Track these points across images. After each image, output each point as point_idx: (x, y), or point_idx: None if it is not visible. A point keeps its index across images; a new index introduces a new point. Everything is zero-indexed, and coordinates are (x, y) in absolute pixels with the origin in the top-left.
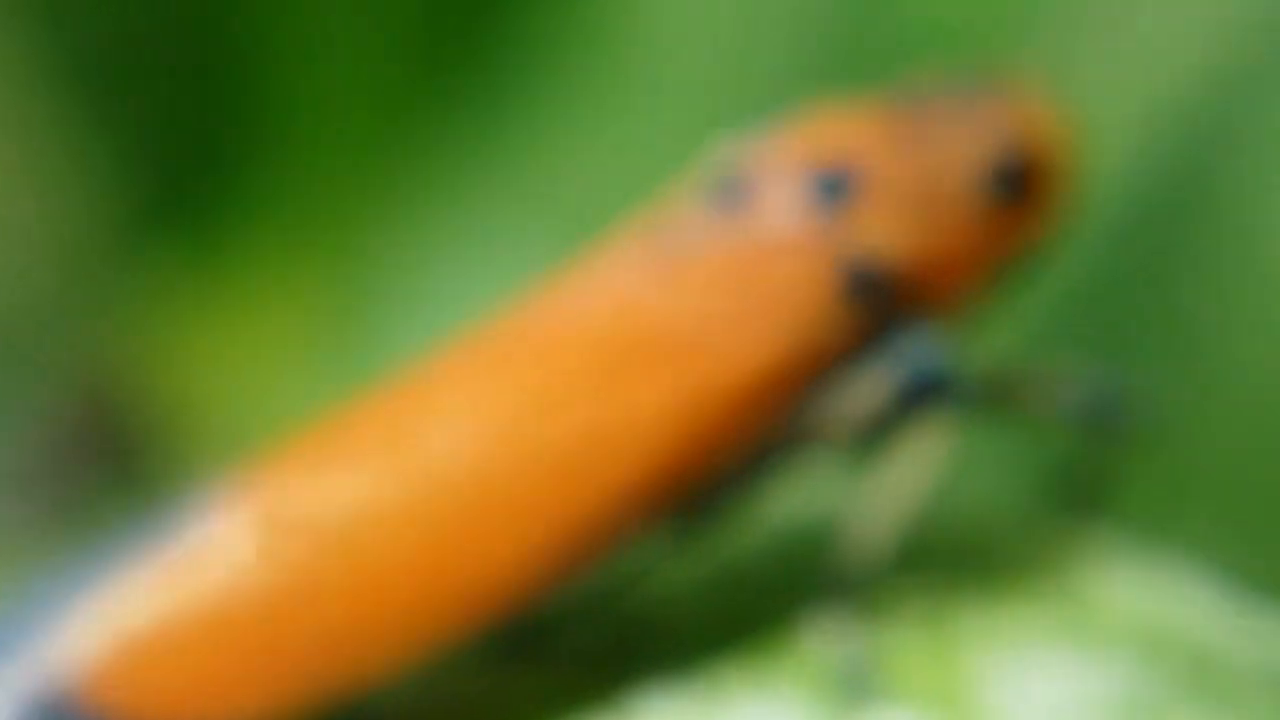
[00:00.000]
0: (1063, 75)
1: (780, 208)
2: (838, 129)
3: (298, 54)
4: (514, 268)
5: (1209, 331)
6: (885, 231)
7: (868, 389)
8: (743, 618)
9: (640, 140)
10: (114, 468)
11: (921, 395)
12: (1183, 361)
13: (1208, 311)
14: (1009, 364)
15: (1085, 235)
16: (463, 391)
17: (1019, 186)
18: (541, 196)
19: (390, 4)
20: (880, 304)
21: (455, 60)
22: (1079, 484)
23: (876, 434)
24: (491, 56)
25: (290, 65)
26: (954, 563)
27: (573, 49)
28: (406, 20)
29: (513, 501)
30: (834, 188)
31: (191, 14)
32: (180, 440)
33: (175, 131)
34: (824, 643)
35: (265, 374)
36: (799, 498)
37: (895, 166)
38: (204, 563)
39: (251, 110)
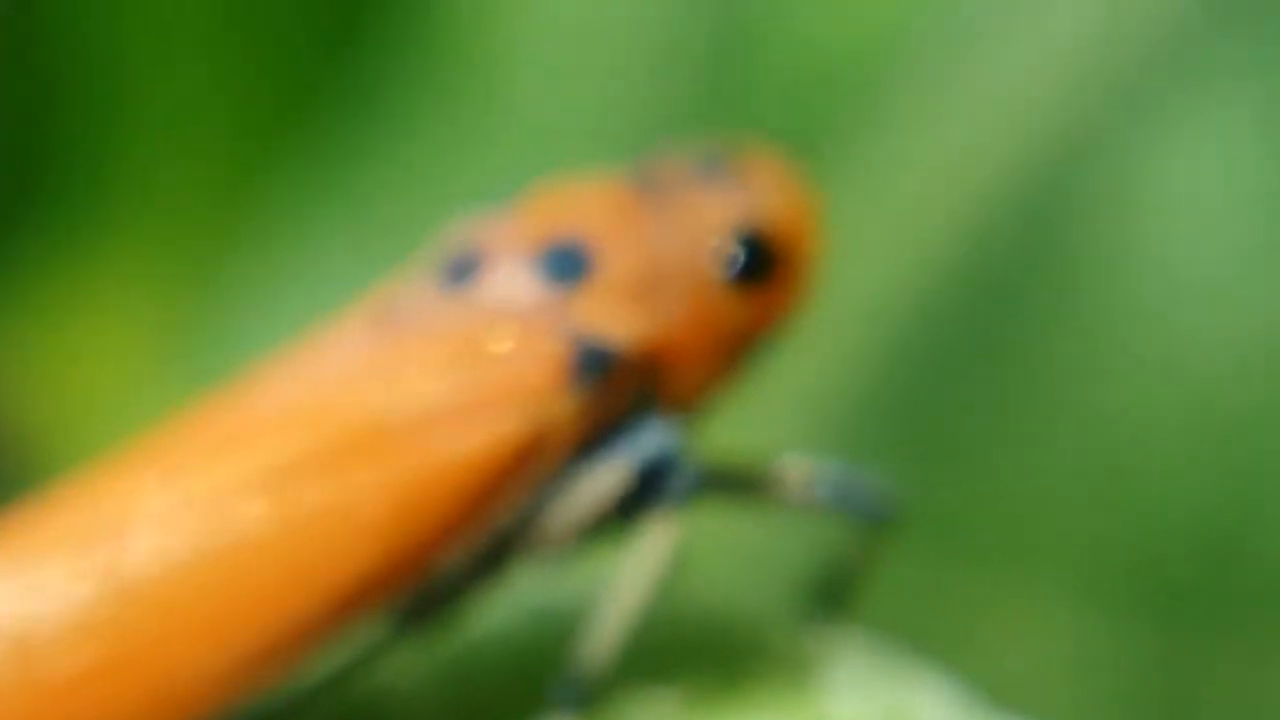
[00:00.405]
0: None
1: (509, 286)
2: (573, 206)
3: (155, 68)
4: (362, 280)
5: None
6: (618, 313)
7: (599, 480)
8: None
9: (493, 174)
10: None
11: (654, 486)
12: (985, 456)
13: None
14: (770, 456)
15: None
16: (171, 477)
17: (759, 269)
18: (391, 217)
19: (251, 22)
20: (612, 390)
21: (314, 79)
22: (829, 581)
23: (609, 527)
24: (350, 79)
25: (147, 78)
26: (686, 661)
27: (430, 81)
28: (265, 37)
29: (218, 603)
30: (565, 266)
31: (44, 17)
32: (27, 454)
33: (25, 140)
34: None
35: (115, 387)
36: (528, 589)
37: (630, 246)
38: None
39: (105, 122)
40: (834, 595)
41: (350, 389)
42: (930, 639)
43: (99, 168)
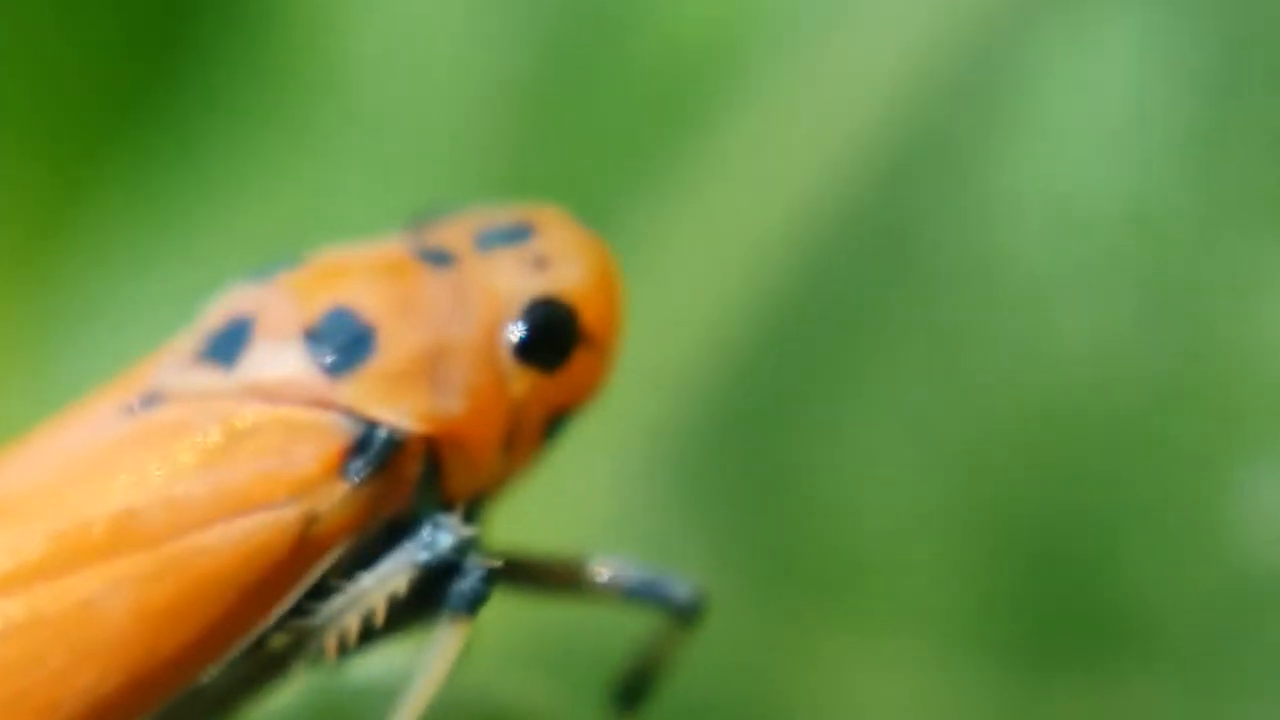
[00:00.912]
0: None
1: (278, 362)
2: (350, 274)
3: None
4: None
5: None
6: (397, 394)
7: (379, 582)
8: None
9: (334, 181)
10: None
11: (442, 584)
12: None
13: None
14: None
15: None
16: None
17: (554, 346)
18: (231, 226)
19: (77, 22)
20: (391, 479)
21: (152, 81)
22: (634, 675)
23: (394, 628)
24: (190, 79)
25: None
26: None
27: (267, 86)
28: (92, 37)
29: None
30: (340, 341)
31: None
32: None
33: None
34: None
35: None
36: (309, 689)
37: (411, 320)
38: None
39: None
40: (641, 692)
41: (93, 479)
42: (784, 683)
43: None
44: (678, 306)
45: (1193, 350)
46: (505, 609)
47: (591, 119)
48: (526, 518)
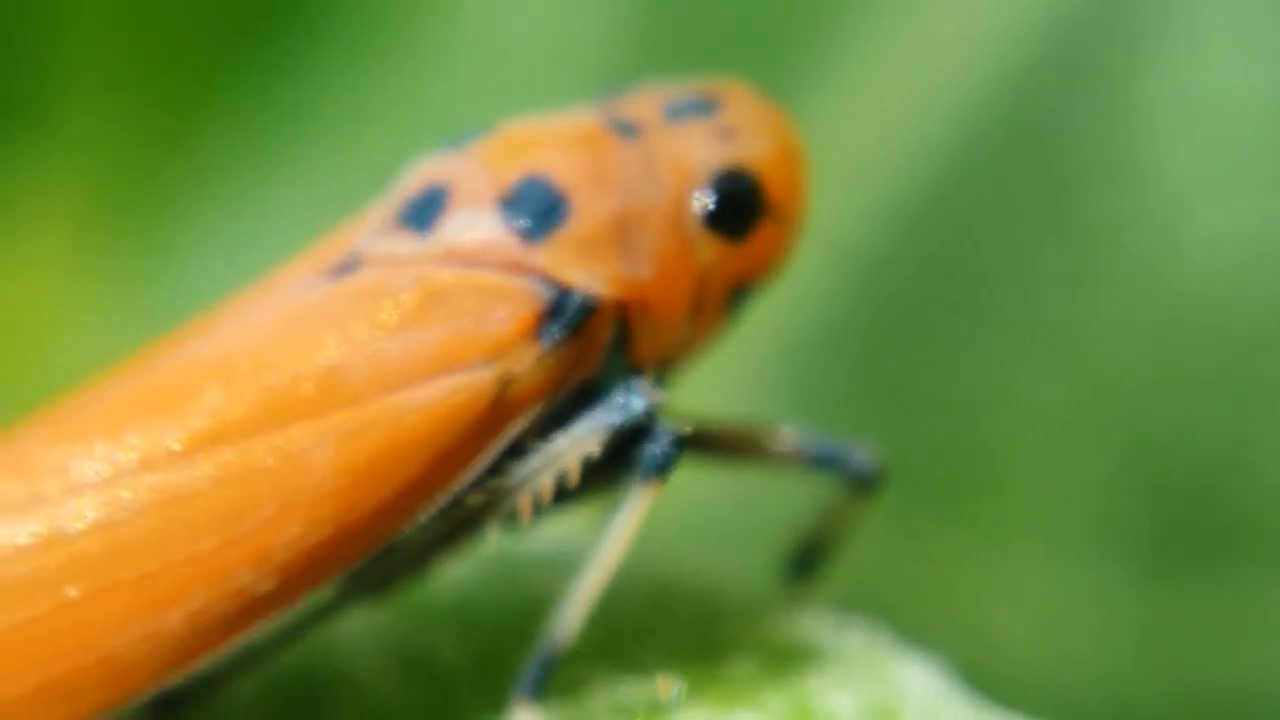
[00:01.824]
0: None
1: (474, 229)
2: (542, 144)
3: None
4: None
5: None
6: (589, 260)
7: (572, 442)
8: (437, 692)
9: (447, 101)
10: None
11: (632, 447)
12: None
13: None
14: (746, 416)
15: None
16: (107, 437)
17: (740, 216)
18: (344, 150)
19: None
20: (584, 342)
21: (266, 5)
22: (811, 546)
23: (585, 490)
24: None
25: (75, 19)
26: (666, 642)
27: (385, 6)
28: None
29: (159, 571)
30: (534, 209)
31: None
32: None
33: None
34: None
35: (50, 336)
36: (499, 551)
37: (603, 189)
38: None
39: (33, 66)
40: (816, 561)
41: (300, 339)
42: (911, 591)
43: (26, 112)
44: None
45: None
46: (683, 480)
47: (712, 29)
48: None
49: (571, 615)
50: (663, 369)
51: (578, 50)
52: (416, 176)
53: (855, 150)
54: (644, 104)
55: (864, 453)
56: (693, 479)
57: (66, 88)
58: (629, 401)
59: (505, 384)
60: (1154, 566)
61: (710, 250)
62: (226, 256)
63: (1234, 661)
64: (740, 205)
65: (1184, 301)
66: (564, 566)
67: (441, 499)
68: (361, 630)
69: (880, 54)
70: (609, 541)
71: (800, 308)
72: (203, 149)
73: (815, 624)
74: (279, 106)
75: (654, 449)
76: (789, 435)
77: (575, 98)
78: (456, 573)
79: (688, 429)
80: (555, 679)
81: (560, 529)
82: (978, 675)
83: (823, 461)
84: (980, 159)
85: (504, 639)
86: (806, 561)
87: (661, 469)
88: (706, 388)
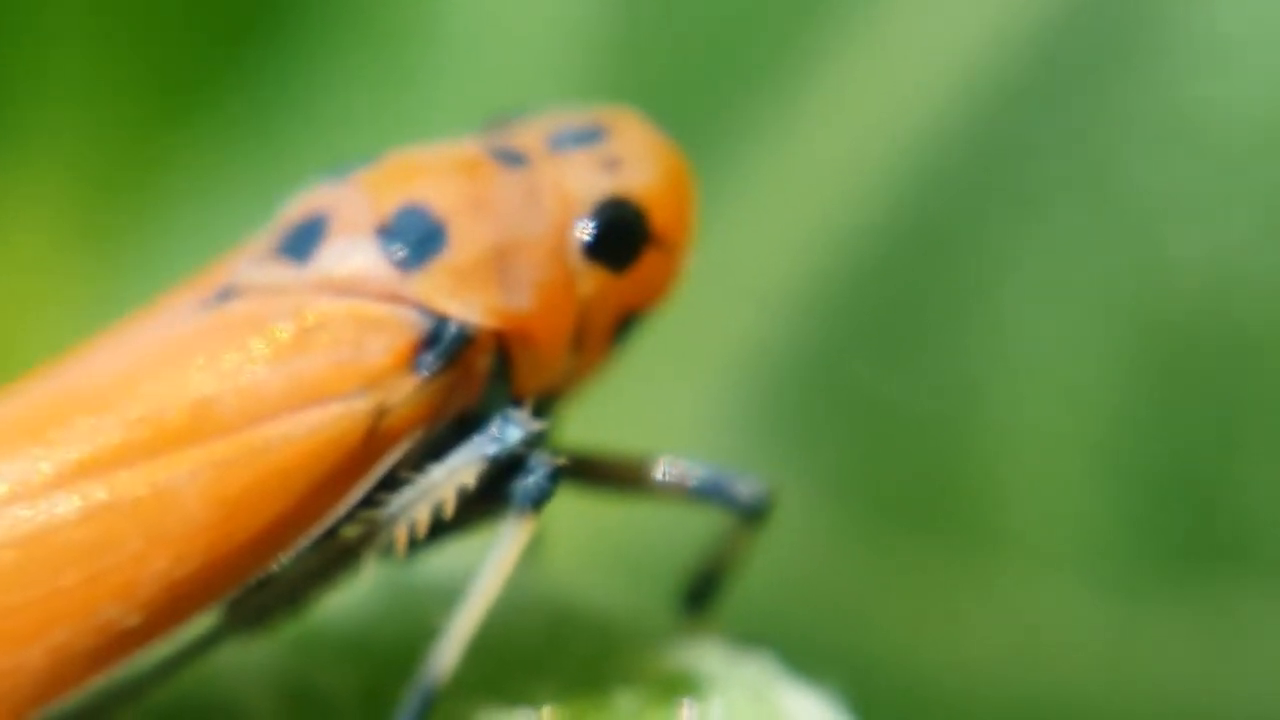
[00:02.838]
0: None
1: (351, 258)
2: (424, 172)
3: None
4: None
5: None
6: (468, 290)
7: (449, 474)
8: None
9: (430, 101)
10: None
11: (510, 480)
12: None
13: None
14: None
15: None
16: None
17: (623, 245)
18: (331, 149)
19: None
20: (461, 373)
21: (252, 6)
22: (702, 578)
23: (462, 523)
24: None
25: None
26: (555, 669)
27: (370, 7)
28: None
29: (30, 602)
30: (412, 238)
31: None
32: None
33: None
34: None
35: (25, 332)
36: (378, 582)
37: (483, 217)
38: None
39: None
40: (709, 593)
41: (171, 369)
42: (887, 606)
43: (6, 111)
44: (778, 225)
45: None
46: (576, 508)
47: (689, 41)
48: (608, 432)
49: (447, 651)
50: (549, 399)
51: (561, 54)
52: (297, 206)
53: (827, 169)
54: (529, 133)
55: (750, 484)
56: (602, 507)
57: (48, 87)
58: (505, 432)
59: (380, 414)
60: (1130, 583)
61: (593, 280)
62: (208, 255)
63: (1210, 677)
64: (623, 235)
65: (1157, 318)
66: (450, 586)
67: (315, 531)
68: (246, 662)
69: (852, 72)
70: (484, 576)
71: (774, 326)
72: (186, 148)
73: (707, 656)
74: (263, 106)
75: (528, 482)
76: (673, 466)
77: (556, 102)
78: (344, 601)
79: (563, 461)
80: (440, 714)
81: (453, 556)
82: (958, 690)
83: (706, 493)
84: (952, 177)
85: (393, 670)
86: (700, 593)
87: (536, 502)
88: (677, 406)
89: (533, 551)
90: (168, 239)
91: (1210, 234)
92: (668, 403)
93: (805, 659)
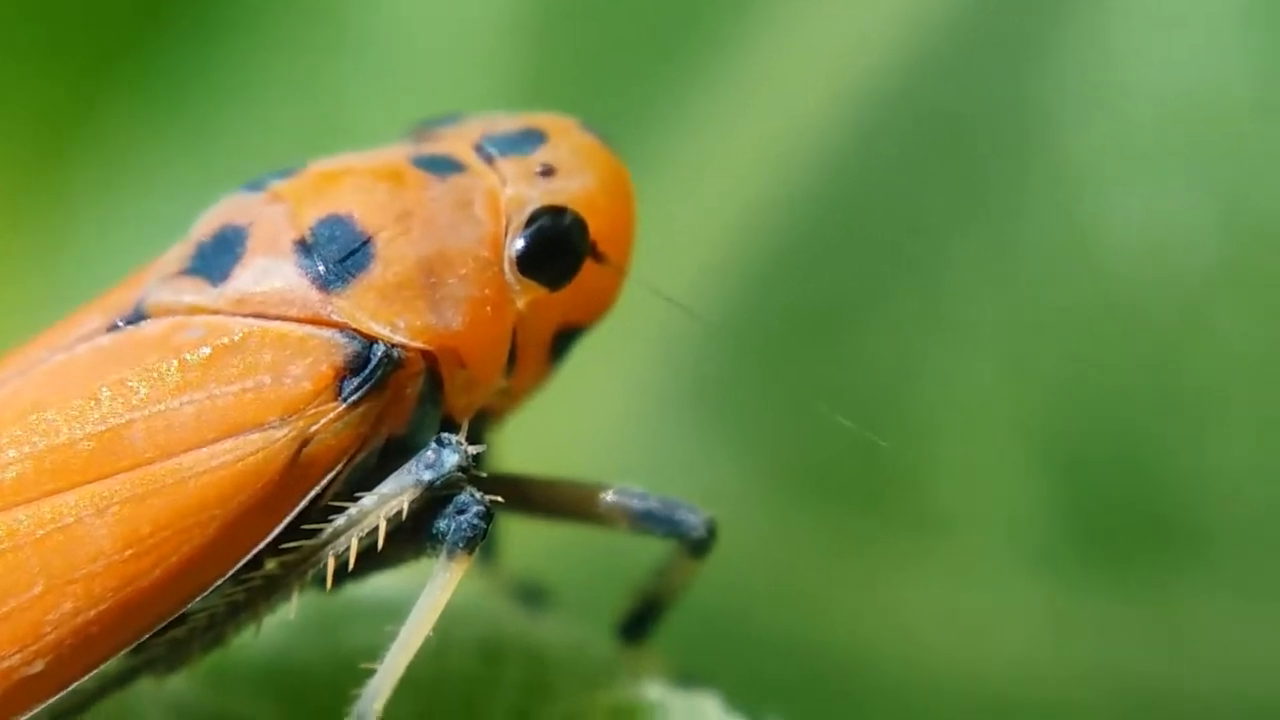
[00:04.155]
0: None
1: (270, 276)
2: (344, 185)
3: None
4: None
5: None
6: (394, 308)
7: (376, 501)
8: None
9: (351, 92)
10: None
11: (443, 506)
12: None
13: None
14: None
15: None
16: None
17: (558, 261)
18: (246, 141)
19: None
20: (389, 397)
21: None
22: (643, 607)
23: (397, 552)
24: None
25: None
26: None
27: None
28: None
29: None
30: (335, 254)
31: None
32: None
33: None
34: None
35: None
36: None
37: (408, 232)
38: None
39: None
40: (648, 624)
41: (75, 397)
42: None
43: None
44: (707, 202)
45: (1248, 240)
46: (519, 533)
47: (616, 21)
48: (541, 427)
49: (376, 692)
50: (482, 420)
51: (488, 41)
52: (209, 219)
53: (755, 145)
54: (459, 139)
55: (694, 515)
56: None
57: None
58: (440, 457)
59: (303, 443)
60: (1069, 562)
61: (529, 295)
62: (118, 248)
63: (1149, 656)
64: (560, 248)
65: (1097, 288)
66: (380, 616)
67: (235, 566)
68: (160, 697)
69: (778, 44)
70: (416, 617)
71: (705, 306)
72: (103, 132)
73: (647, 692)
74: (184, 89)
75: (460, 521)
76: (615, 496)
77: (472, 103)
78: (264, 631)
79: (498, 499)
80: None
81: (379, 580)
82: (898, 673)
83: (649, 522)
84: (884, 150)
85: (316, 699)
86: (639, 624)
87: (469, 542)
88: (608, 391)
89: (488, 553)
90: (85, 225)
91: (1142, 203)
92: (598, 387)
93: (743, 641)
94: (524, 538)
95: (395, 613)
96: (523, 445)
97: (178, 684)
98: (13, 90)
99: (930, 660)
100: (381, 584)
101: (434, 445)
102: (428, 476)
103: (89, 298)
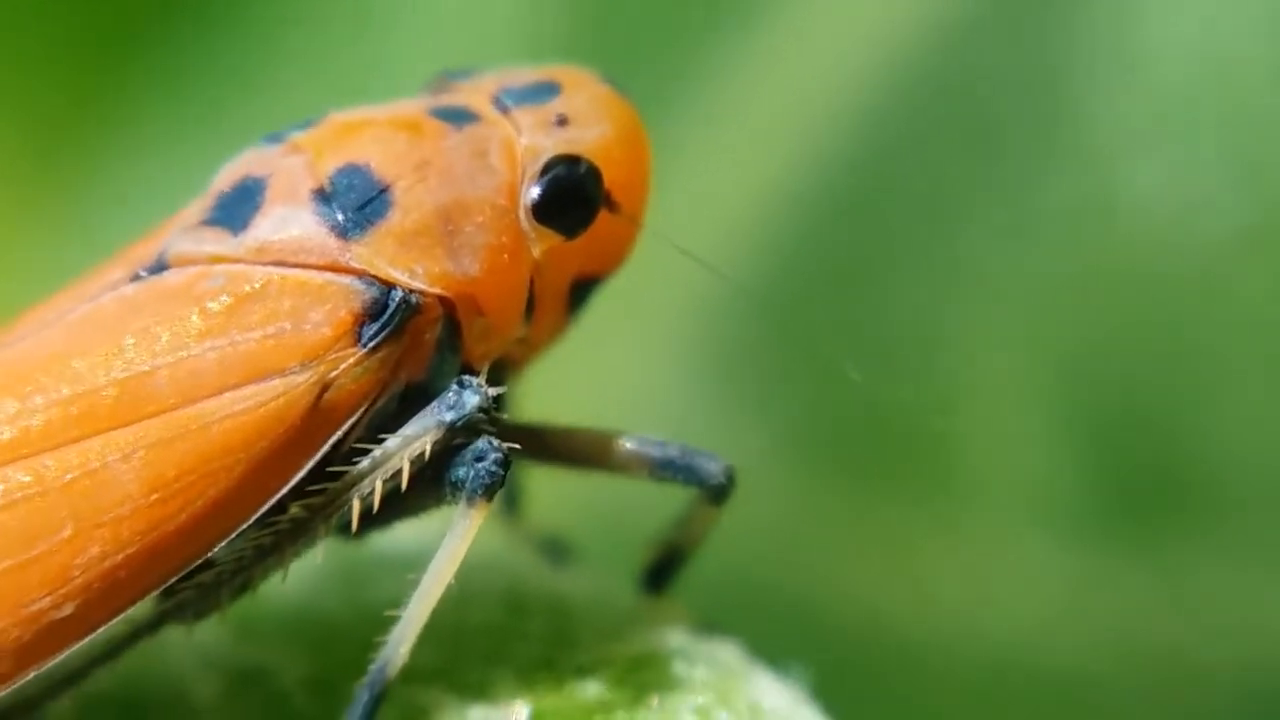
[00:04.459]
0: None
1: (289, 225)
2: (362, 135)
3: None
4: None
5: None
6: (412, 255)
7: (400, 442)
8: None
9: (371, 71)
10: None
11: (463, 453)
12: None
13: None
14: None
15: None
16: None
17: (574, 209)
18: (266, 114)
19: None
20: (408, 343)
21: None
22: (665, 553)
23: (417, 498)
24: None
25: None
26: (521, 647)
27: None
28: None
29: None
30: (353, 202)
31: None
32: None
33: None
34: None
35: None
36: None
37: (427, 179)
38: None
39: None
40: (670, 573)
41: (100, 346)
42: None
43: None
44: (729, 173)
45: (1270, 207)
46: (539, 487)
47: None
48: (562, 387)
49: (400, 641)
50: (502, 369)
51: (513, 20)
52: (230, 171)
53: (777, 117)
54: (477, 90)
55: (713, 463)
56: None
57: None
58: (461, 398)
59: (324, 389)
60: (1090, 531)
61: (545, 243)
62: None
63: (1170, 625)
64: (576, 196)
65: (1119, 254)
66: (404, 568)
67: (258, 510)
68: (189, 646)
69: (802, 15)
70: (437, 564)
71: (731, 266)
72: (121, 109)
73: (669, 641)
74: (198, 63)
75: (478, 468)
76: (633, 443)
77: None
78: (291, 580)
79: (514, 445)
80: (394, 706)
81: (404, 530)
82: (918, 637)
83: (669, 470)
84: (904, 121)
85: (341, 652)
86: (660, 572)
87: (488, 489)
88: (629, 362)
89: (512, 507)
90: (105, 201)
91: (1166, 169)
92: (619, 358)
93: (764, 606)
94: (544, 492)
95: (417, 564)
96: (543, 405)
97: (205, 633)
98: (31, 67)
99: (949, 625)
100: (403, 536)
101: (454, 387)
102: (449, 417)
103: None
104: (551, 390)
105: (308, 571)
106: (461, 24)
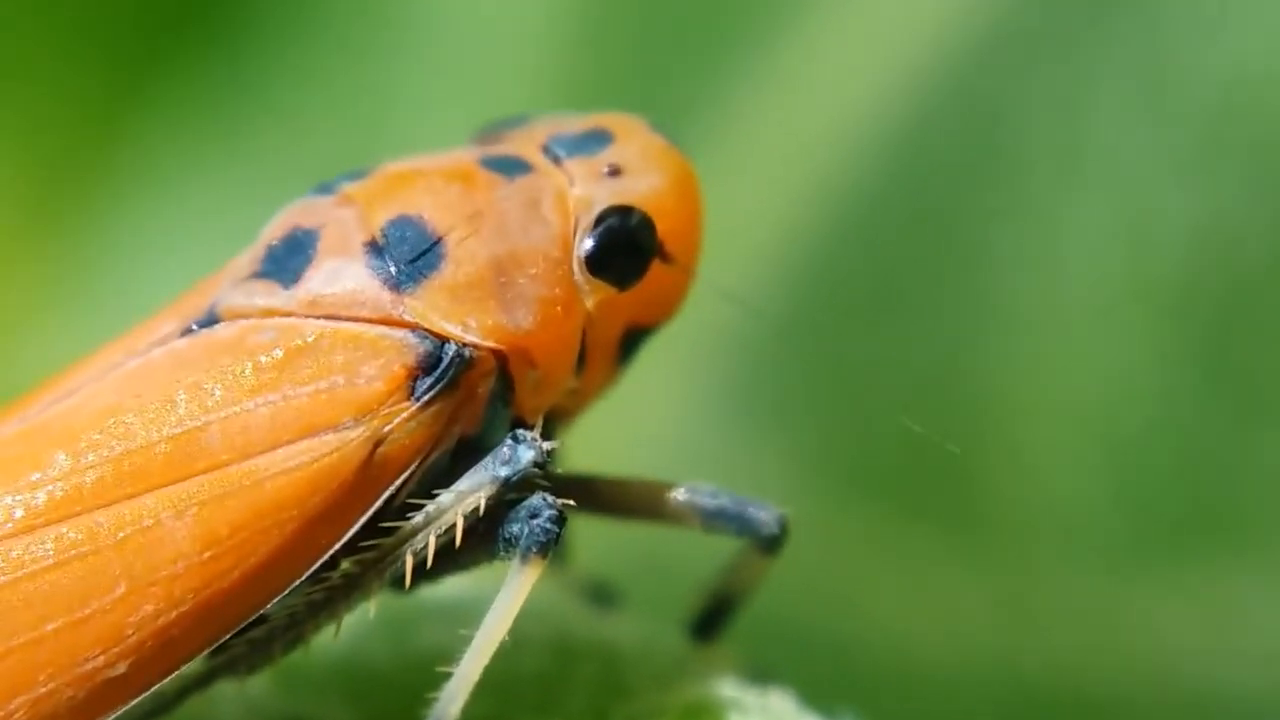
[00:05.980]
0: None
1: (342, 277)
2: (413, 186)
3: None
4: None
5: None
6: (465, 309)
7: (454, 498)
8: None
9: (398, 96)
10: None
11: (512, 504)
12: None
13: None
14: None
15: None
16: None
17: (627, 261)
18: (291, 146)
19: None
20: (461, 397)
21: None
22: (715, 605)
23: (470, 553)
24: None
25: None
26: (572, 695)
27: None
28: None
29: (13, 645)
30: (406, 254)
31: None
32: None
33: None
34: None
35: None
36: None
37: (478, 232)
38: None
39: None
40: (720, 622)
41: (152, 401)
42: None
43: None
44: (754, 195)
45: None
46: (588, 532)
47: (664, 13)
48: (598, 428)
49: (453, 696)
50: (552, 420)
51: (532, 45)
52: (280, 223)
53: (803, 137)
54: (527, 139)
55: (766, 512)
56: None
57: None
58: (516, 453)
59: (377, 443)
60: (1121, 559)
61: (598, 295)
62: (159, 253)
63: (1201, 654)
64: (629, 247)
65: (1145, 279)
66: (448, 616)
67: (311, 566)
68: (240, 699)
69: (826, 36)
70: (489, 622)
71: (756, 293)
72: (138, 130)
73: (722, 690)
74: (221, 98)
75: (534, 525)
76: (686, 495)
77: (522, 106)
78: (340, 634)
79: (569, 503)
80: None
81: (452, 582)
82: (943, 667)
83: (722, 520)
84: (932, 143)
85: (387, 698)
86: (711, 620)
87: (543, 546)
88: (652, 385)
89: (559, 554)
90: (121, 221)
91: (1197, 196)
92: (642, 381)
93: (793, 639)
94: (585, 536)
95: (464, 614)
96: (570, 440)
97: (252, 684)
98: (52, 89)
99: (981, 656)
100: (449, 586)
101: (509, 442)
102: (504, 473)
103: (126, 300)
104: (585, 427)
105: (355, 620)
106: (482, 49)
